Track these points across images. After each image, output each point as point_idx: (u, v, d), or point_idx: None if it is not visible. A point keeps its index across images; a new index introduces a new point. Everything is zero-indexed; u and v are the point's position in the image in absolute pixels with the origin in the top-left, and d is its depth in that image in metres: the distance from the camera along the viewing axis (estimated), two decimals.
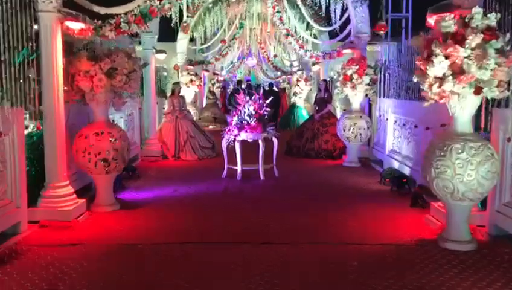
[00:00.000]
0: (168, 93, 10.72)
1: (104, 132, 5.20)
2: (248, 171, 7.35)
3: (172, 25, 8.94)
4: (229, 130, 7.18)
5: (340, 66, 8.61)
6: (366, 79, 8.16)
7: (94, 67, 5.00)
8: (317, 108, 9.80)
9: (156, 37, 8.96)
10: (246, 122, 7.07)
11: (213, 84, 19.88)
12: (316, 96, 9.99)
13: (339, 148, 9.30)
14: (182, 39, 13.20)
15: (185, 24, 9.03)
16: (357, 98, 8.39)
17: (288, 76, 21.60)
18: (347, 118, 8.42)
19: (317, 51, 9.92)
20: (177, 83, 9.78)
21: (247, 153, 7.50)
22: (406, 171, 6.67)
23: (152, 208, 5.63)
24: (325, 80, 9.93)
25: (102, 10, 4.84)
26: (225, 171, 7.45)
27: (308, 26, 11.04)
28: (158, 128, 9.71)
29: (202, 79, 17.60)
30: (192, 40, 13.74)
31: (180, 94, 9.87)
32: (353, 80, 8.19)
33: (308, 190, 6.70)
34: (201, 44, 13.70)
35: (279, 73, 25.54)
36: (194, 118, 12.79)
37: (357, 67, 8.14)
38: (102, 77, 5.01)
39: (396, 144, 7.35)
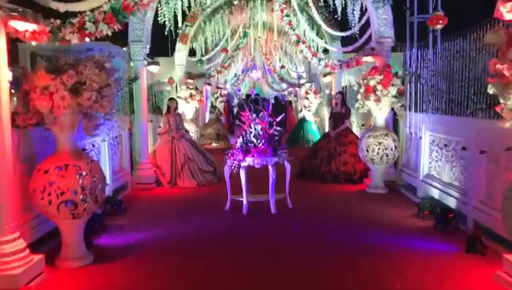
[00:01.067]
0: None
1: (68, 165, 4.00)
2: (256, 203, 6.13)
3: (166, 32, 7.82)
4: (232, 155, 5.96)
5: (355, 77, 7.43)
6: (393, 90, 6.95)
7: (54, 82, 3.83)
8: (333, 124, 8.60)
9: (148, 47, 7.82)
10: (252, 144, 5.86)
11: (216, 99, 18.72)
12: (332, 111, 8.79)
13: (359, 171, 8.06)
14: (181, 50, 12.08)
15: (180, 32, 7.89)
16: (381, 112, 7.17)
17: (296, 88, 20.47)
18: (371, 137, 7.18)
19: (330, 59, 8.69)
20: (172, 99, 8.61)
21: (255, 181, 6.29)
22: (451, 202, 5.42)
23: (135, 260, 4.39)
24: (341, 93, 8.72)
25: (62, 7, 3.69)
26: (228, 204, 6.22)
27: (319, 33, 9.88)
28: (151, 150, 8.52)
29: (204, 93, 16.48)
30: (192, 52, 12.61)
31: (177, 111, 8.72)
32: (377, 92, 6.99)
33: (330, 227, 5.44)
34: (202, 55, 12.55)
35: (284, 85, 24.41)
36: (195, 137, 11.64)
37: (382, 77, 6.95)
38: (65, 94, 3.83)
39: (434, 168, 6.10)
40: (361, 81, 7.17)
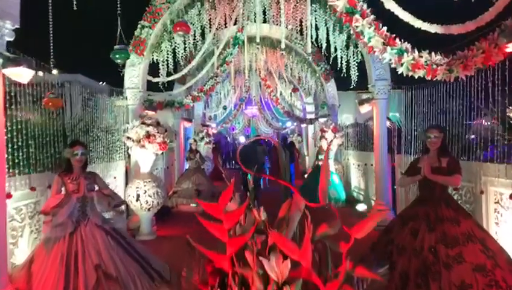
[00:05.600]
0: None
1: None
2: None
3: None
4: None
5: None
6: None
7: None
8: (419, 193, 4.07)
9: (11, 26, 3.38)
10: None
11: (201, 139, 14.22)
12: (415, 162, 4.21)
13: None
14: (135, 65, 7.66)
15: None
16: None
17: (302, 125, 16.13)
18: None
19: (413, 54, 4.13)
20: (76, 143, 4.03)
21: None
22: None
23: None
24: (440, 129, 4.11)
25: None
26: None
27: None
28: (26, 259, 3.87)
29: (179, 133, 11.97)
30: (153, 69, 8.15)
31: (88, 170, 4.14)
32: None
33: None
34: (168, 74, 8.05)
35: (278, 123, 20.11)
36: (153, 202, 7.03)
37: None
38: None
39: None
40: None
